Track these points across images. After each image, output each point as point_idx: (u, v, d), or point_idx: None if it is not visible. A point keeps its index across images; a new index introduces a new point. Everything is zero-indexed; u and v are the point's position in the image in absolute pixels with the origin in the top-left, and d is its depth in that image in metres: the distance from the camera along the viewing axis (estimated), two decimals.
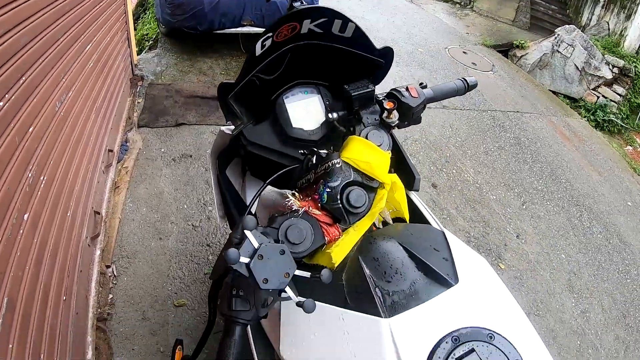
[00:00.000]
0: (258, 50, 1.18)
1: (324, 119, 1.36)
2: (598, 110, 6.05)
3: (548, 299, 3.13)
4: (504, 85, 5.85)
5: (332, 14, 1.21)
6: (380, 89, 1.35)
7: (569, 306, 3.16)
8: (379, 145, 1.19)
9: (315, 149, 1.19)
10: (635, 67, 6.12)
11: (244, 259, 0.84)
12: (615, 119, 6.00)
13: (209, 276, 2.42)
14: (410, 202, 1.34)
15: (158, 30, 5.23)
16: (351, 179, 1.11)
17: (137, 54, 4.32)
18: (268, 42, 1.19)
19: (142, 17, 6.02)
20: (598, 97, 6.25)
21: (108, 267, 2.30)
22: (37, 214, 1.48)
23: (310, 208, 1.09)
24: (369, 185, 1.14)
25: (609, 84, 6.25)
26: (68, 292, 1.73)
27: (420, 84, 1.38)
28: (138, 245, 2.47)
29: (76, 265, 1.89)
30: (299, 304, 0.89)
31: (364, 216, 1.12)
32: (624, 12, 6.76)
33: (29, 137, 1.44)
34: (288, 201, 1.10)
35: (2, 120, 1.24)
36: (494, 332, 0.87)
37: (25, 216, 1.37)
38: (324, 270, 0.93)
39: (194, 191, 2.91)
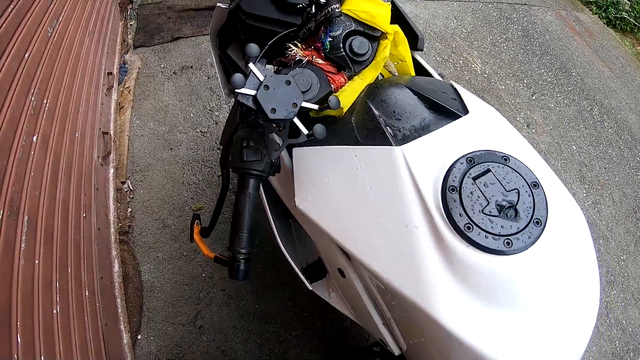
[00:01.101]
0: None
1: None
2: (610, 7, 5.81)
3: None
4: None
5: None
6: None
7: (580, 196, 3.22)
8: None
9: None
10: None
11: (250, 91, 0.87)
12: (628, 17, 5.78)
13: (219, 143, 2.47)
14: (416, 62, 1.37)
15: None
16: (352, 28, 1.13)
17: None
18: None
19: None
20: None
21: (123, 183, 2.35)
22: (46, 136, 1.51)
23: (314, 57, 1.13)
24: (372, 35, 1.17)
25: None
26: (87, 209, 1.79)
27: None
28: (150, 159, 2.51)
29: (92, 184, 1.94)
30: (309, 135, 0.92)
31: (368, 65, 1.17)
32: None
33: (26, 63, 1.45)
34: (291, 51, 1.14)
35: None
36: (508, 154, 0.90)
37: (34, 137, 1.40)
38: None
39: (199, 99, 2.91)
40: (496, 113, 1.07)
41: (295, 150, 1.12)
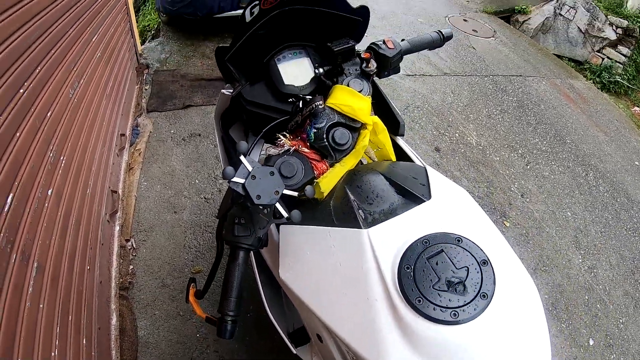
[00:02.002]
0: (247, 17, 1.36)
1: (312, 75, 1.49)
2: (603, 72, 6.02)
3: (554, 255, 3.21)
4: (506, 51, 5.87)
5: None
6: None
7: (576, 262, 3.24)
8: (359, 91, 1.38)
9: (302, 95, 1.39)
10: None
11: (240, 180, 1.02)
12: (621, 80, 5.96)
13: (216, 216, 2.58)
14: (397, 147, 1.53)
15: (159, 20, 5.35)
16: (335, 121, 1.32)
17: (141, 44, 4.44)
18: (256, 10, 1.36)
19: (142, 9, 6.14)
20: (603, 59, 6.20)
21: (127, 240, 2.47)
22: (60, 190, 1.63)
23: (300, 147, 1.30)
24: (352, 126, 1.35)
25: (613, 45, 6.20)
26: (91, 262, 1.89)
27: (402, 40, 1.56)
28: (154, 220, 2.63)
29: (97, 239, 2.04)
30: (288, 218, 1.06)
31: (348, 153, 1.33)
32: None
33: (48, 121, 1.58)
34: (280, 141, 1.31)
35: (24, 106, 1.39)
36: (462, 236, 1.02)
37: (49, 191, 1.52)
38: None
39: (205, 167, 3.06)
40: (461, 197, 1.18)
41: (282, 227, 1.25)
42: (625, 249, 3.49)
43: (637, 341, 2.95)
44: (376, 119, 1.40)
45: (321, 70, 1.48)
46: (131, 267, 2.40)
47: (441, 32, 1.62)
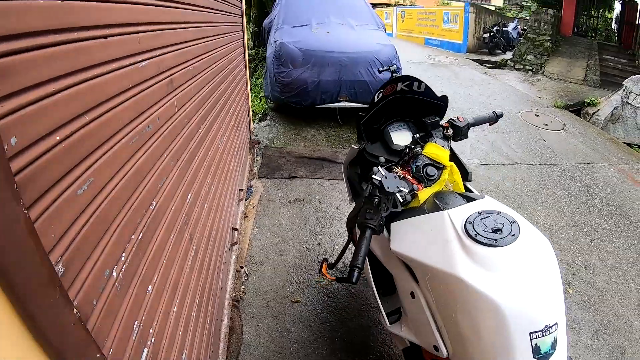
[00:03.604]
0: (376, 98, 2.14)
1: (411, 139, 2.20)
2: None
3: (616, 320, 3.24)
4: (575, 141, 6.08)
5: (413, 79, 2.18)
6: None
7: (638, 328, 3.21)
8: (442, 147, 2.09)
9: (408, 145, 2.12)
10: None
11: (379, 178, 1.63)
12: None
13: (345, 224, 3.07)
14: (467, 188, 2.20)
15: (265, 106, 6.21)
16: (427, 162, 2.01)
17: (253, 123, 5.27)
18: (380, 95, 2.14)
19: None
20: None
21: (241, 267, 2.97)
22: (210, 208, 2.21)
23: (407, 175, 1.98)
24: (438, 166, 2.03)
25: None
26: (219, 270, 2.38)
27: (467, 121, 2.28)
28: (264, 257, 3.14)
29: (222, 256, 2.55)
30: (402, 202, 1.75)
31: (435, 182, 2.00)
32: None
33: (209, 158, 2.22)
34: (394, 170, 2.01)
35: (200, 141, 1.96)
36: (500, 211, 1.60)
37: (205, 205, 2.09)
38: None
39: (307, 224, 3.59)
40: (503, 205, 1.72)
41: (392, 224, 1.84)
42: None
43: None
44: (452, 164, 2.07)
45: (417, 135, 2.15)
46: (243, 287, 2.86)
47: (495, 112, 2.35)
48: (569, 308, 3.31)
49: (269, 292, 2.91)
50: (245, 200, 3.69)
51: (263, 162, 4.44)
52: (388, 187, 1.60)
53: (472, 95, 7.57)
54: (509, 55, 12.57)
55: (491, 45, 14.46)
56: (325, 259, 1.82)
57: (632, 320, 3.33)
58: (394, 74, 2.65)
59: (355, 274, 1.50)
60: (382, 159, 1.78)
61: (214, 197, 2.33)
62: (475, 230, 1.51)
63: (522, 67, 10.45)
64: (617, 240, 4.14)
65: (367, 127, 2.29)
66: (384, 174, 1.63)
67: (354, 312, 2.79)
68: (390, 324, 1.97)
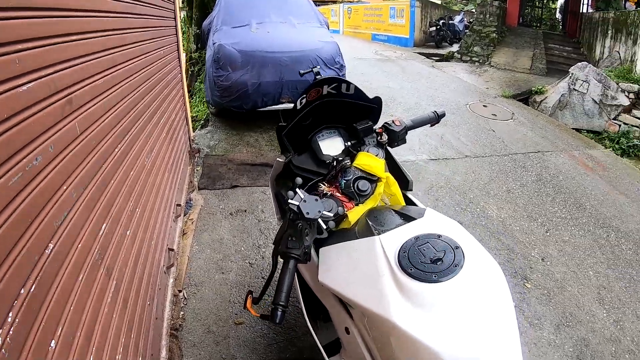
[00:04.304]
0: (298, 105, 1.94)
1: (343, 147, 2.09)
2: (621, 138, 6.28)
3: (577, 311, 3.29)
4: (524, 130, 6.24)
5: (340, 80, 2.01)
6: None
7: (600, 317, 3.30)
8: (376, 155, 1.94)
9: (336, 156, 1.95)
10: None
11: (296, 202, 1.49)
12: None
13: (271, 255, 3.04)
14: (408, 199, 2.06)
15: (207, 112, 6.05)
16: (359, 175, 1.86)
17: (193, 131, 5.08)
18: (304, 101, 1.95)
19: (190, 102, 6.92)
20: (620, 125, 6.48)
21: (180, 291, 2.84)
22: (134, 234, 2.05)
23: (335, 192, 1.83)
24: (371, 179, 1.88)
25: (627, 110, 6.49)
26: (151, 299, 2.25)
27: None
28: (204, 277, 3.01)
29: (157, 283, 2.41)
30: (327, 229, 1.58)
31: (369, 197, 1.85)
32: (630, 39, 7.19)
33: (130, 179, 2.06)
34: (320, 188, 1.86)
35: (115, 164, 1.84)
36: (441, 234, 1.47)
37: (127, 232, 1.93)
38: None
39: (250, 237, 3.47)
40: (447, 219, 1.62)
41: (320, 249, 1.71)
42: None
43: None
44: (389, 174, 1.93)
45: (349, 143, 2.05)
46: (182, 312, 2.74)
47: (436, 112, 2.21)
48: (529, 303, 3.33)
49: (210, 316, 2.80)
50: (184, 216, 3.53)
51: (204, 172, 4.30)
52: (307, 213, 1.48)
53: (419, 89, 7.65)
54: (455, 47, 12.97)
55: (438, 38, 14.94)
56: (250, 292, 1.68)
57: (594, 309, 3.39)
58: (318, 76, 2.49)
59: (279, 313, 1.38)
60: (298, 180, 1.62)
61: (140, 220, 2.18)
62: (411, 263, 1.38)
63: (469, 59, 10.73)
64: (573, 228, 4.24)
65: (293, 137, 2.09)
66: (302, 197, 1.51)
67: (302, 329, 2.71)
68: (329, 358, 1.84)
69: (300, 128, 2.09)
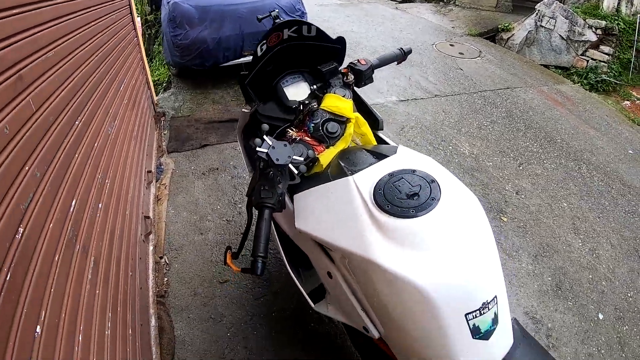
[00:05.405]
0: (259, 52, 1.88)
1: (309, 91, 2.03)
2: (589, 73, 6.32)
3: (554, 242, 3.41)
4: (493, 68, 6.24)
5: (299, 23, 1.92)
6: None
7: (576, 246, 3.42)
8: (343, 96, 1.90)
9: (302, 101, 1.91)
10: (618, 24, 6.38)
11: (264, 150, 1.43)
12: (608, 78, 6.25)
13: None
14: (379, 139, 2.02)
15: (169, 74, 5.86)
16: (327, 117, 1.82)
17: (156, 95, 4.92)
18: (264, 47, 1.86)
19: (150, 66, 6.68)
20: (588, 61, 6.51)
21: (161, 258, 2.82)
22: (107, 206, 1.99)
23: (304, 136, 1.80)
24: (340, 120, 1.84)
25: (595, 46, 6.51)
26: (133, 270, 2.22)
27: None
28: (183, 241, 2.99)
29: (136, 253, 2.38)
30: (298, 174, 1.52)
31: (339, 139, 1.83)
32: None
33: (95, 150, 1.98)
34: (289, 134, 1.81)
35: (78, 135, 1.78)
36: (416, 169, 1.46)
37: (100, 205, 1.88)
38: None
39: (224, 195, 3.44)
40: (420, 155, 1.60)
41: (295, 195, 1.69)
42: (626, 230, 3.63)
43: None
44: (358, 115, 1.89)
45: (314, 87, 1.99)
46: (166, 279, 2.73)
47: (402, 49, 2.17)
48: (506, 236, 3.40)
49: (195, 278, 2.80)
50: (157, 181, 3.45)
51: (171, 135, 4.19)
52: (277, 160, 1.43)
53: (384, 32, 7.52)
54: None
55: None
56: (229, 248, 1.63)
57: (570, 239, 3.50)
58: (277, 20, 2.41)
59: (259, 264, 1.35)
60: (265, 127, 1.55)
61: (111, 191, 2.13)
62: (387, 199, 1.37)
63: None
64: (545, 161, 4.31)
65: (257, 85, 2.02)
66: (270, 143, 1.45)
67: (287, 280, 2.71)
68: (315, 304, 1.85)
69: (263, 75, 2.02)
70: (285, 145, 1.48)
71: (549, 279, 3.14)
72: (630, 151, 4.77)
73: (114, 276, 1.87)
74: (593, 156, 4.50)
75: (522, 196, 3.82)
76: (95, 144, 2.00)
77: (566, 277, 3.17)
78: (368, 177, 1.47)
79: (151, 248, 2.78)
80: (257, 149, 1.43)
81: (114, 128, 2.43)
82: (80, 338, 1.36)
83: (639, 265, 3.39)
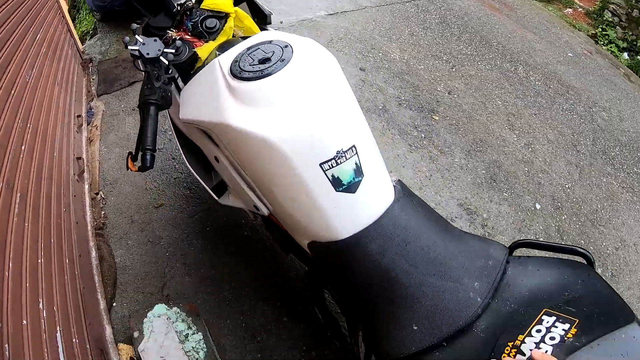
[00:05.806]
0: None
1: None
2: None
3: (487, 137, 3.51)
4: None
5: None
6: None
7: (511, 141, 3.53)
8: None
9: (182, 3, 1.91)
10: None
11: (136, 47, 1.47)
12: None
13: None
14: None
15: (94, 20, 5.65)
16: (205, 15, 1.84)
17: (82, 44, 4.75)
18: None
19: (78, 17, 6.43)
20: None
21: (97, 194, 2.82)
22: (31, 148, 2.00)
23: (184, 35, 1.81)
24: (220, 16, 1.86)
25: None
26: (67, 206, 2.25)
27: None
28: (117, 174, 2.99)
29: (69, 191, 2.40)
30: (171, 61, 1.60)
31: (219, 33, 1.83)
32: None
33: (13, 97, 1.96)
34: (169, 35, 1.81)
35: None
36: (272, 40, 1.54)
37: (23, 147, 1.89)
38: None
39: None
40: (291, 34, 1.64)
41: (182, 92, 1.72)
42: (564, 126, 3.77)
43: (587, 203, 3.24)
44: (238, 9, 1.92)
45: None
46: (103, 212, 2.75)
47: None
48: (437, 134, 3.44)
49: (131, 207, 2.82)
50: (88, 125, 3.39)
51: (99, 78, 4.09)
52: (148, 54, 1.47)
53: None
54: None
55: None
56: (130, 153, 1.66)
57: (504, 134, 3.60)
58: None
59: (148, 157, 1.42)
60: (134, 26, 1.57)
61: (34, 134, 2.14)
62: (241, 68, 1.44)
63: None
64: (479, 63, 4.36)
65: (146, 1, 2.05)
66: (141, 40, 1.48)
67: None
68: (219, 197, 1.93)
69: None
70: (155, 40, 1.51)
71: (483, 172, 3.24)
72: (570, 54, 4.86)
73: (45, 211, 1.91)
74: (530, 58, 4.58)
75: (455, 96, 3.88)
76: (12, 91, 2.00)
77: (501, 169, 3.28)
78: (230, 55, 1.53)
79: (87, 186, 2.79)
80: (129, 47, 1.45)
81: (31, 77, 2.41)
82: (10, 264, 1.40)
83: (576, 160, 3.53)
